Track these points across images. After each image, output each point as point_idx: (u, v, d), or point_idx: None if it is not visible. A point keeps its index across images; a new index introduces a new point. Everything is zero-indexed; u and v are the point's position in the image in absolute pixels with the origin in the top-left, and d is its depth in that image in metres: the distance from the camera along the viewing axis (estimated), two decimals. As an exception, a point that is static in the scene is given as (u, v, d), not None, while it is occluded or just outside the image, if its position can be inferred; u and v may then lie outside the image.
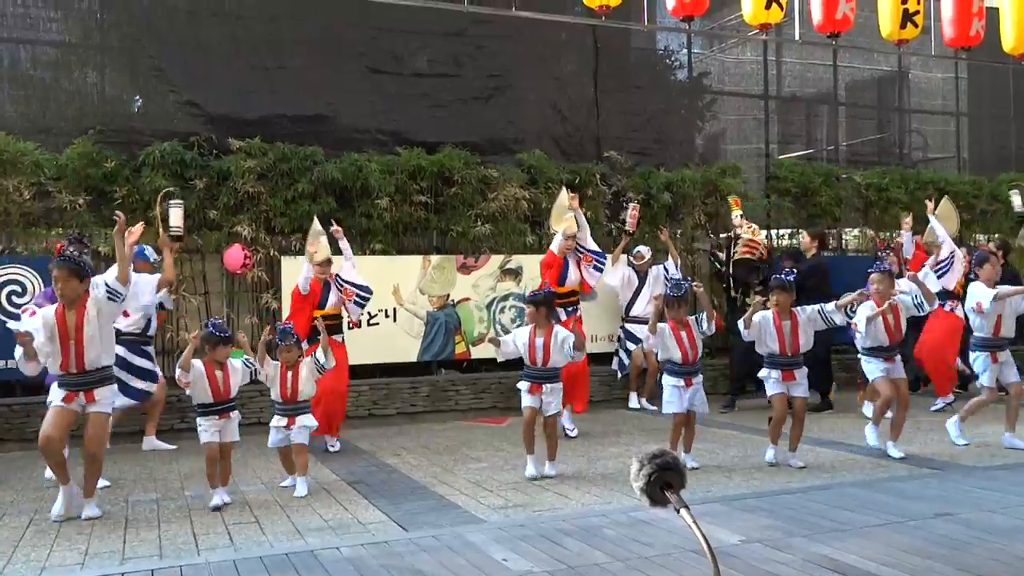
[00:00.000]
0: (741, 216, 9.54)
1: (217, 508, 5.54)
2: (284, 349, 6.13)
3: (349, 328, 7.99)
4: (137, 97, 9.55)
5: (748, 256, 9.35)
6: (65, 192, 8.37)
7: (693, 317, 6.51)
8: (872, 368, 6.93)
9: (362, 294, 7.68)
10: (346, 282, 7.59)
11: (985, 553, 4.20)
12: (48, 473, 6.08)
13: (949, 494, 5.42)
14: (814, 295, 7.92)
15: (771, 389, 6.62)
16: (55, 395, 5.34)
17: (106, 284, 5.32)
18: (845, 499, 5.34)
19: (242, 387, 8.13)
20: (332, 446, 7.44)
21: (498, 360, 6.65)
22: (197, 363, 5.67)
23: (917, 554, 4.20)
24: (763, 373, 6.66)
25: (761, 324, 6.50)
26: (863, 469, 6.42)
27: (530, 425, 6.33)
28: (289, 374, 6.12)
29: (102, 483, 5.90)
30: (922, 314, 7.23)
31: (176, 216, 7.82)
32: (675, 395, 6.46)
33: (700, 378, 6.52)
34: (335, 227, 7.73)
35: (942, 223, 9.02)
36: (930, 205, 9.19)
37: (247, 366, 5.91)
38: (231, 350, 5.85)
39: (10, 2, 8.96)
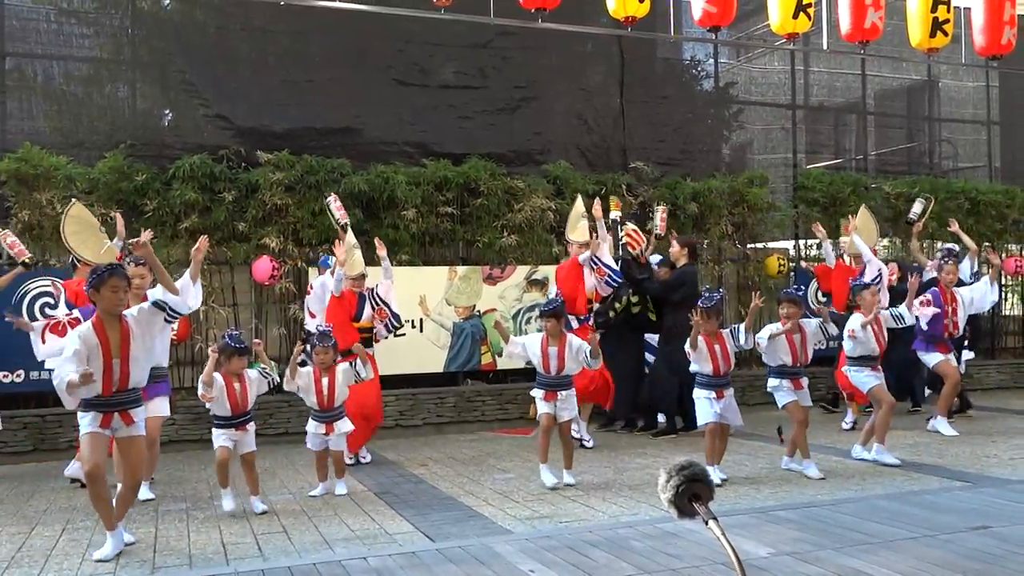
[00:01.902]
0: (621, 218, 8.98)
1: (231, 511, 5.69)
2: (320, 351, 6.17)
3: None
4: (167, 111, 9.69)
5: (631, 249, 8.55)
6: (97, 205, 8.48)
7: (727, 330, 6.52)
8: (863, 380, 7.07)
9: (393, 321, 7.81)
10: (383, 302, 7.66)
11: (1019, 568, 4.13)
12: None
13: (982, 507, 5.34)
14: (683, 305, 7.78)
15: (784, 398, 6.69)
16: (88, 422, 4.78)
17: (163, 303, 4.86)
18: (875, 511, 5.28)
19: (269, 399, 8.27)
20: (364, 458, 7.49)
21: (504, 355, 6.68)
22: (218, 377, 5.69)
23: (949, 568, 4.14)
24: (773, 384, 6.72)
25: (776, 338, 6.58)
26: (893, 481, 6.34)
27: (547, 432, 6.44)
28: (324, 380, 6.16)
29: (146, 495, 6.08)
30: (900, 327, 7.33)
31: (335, 208, 8.02)
32: (707, 406, 6.47)
33: (731, 391, 6.52)
34: (378, 246, 7.84)
35: (862, 236, 8.93)
36: (850, 222, 9.05)
37: (264, 375, 5.90)
38: (247, 362, 5.85)
39: (43, 19, 9.14)
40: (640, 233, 8.64)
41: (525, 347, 6.49)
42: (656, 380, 8.55)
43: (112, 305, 4.72)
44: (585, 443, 7.96)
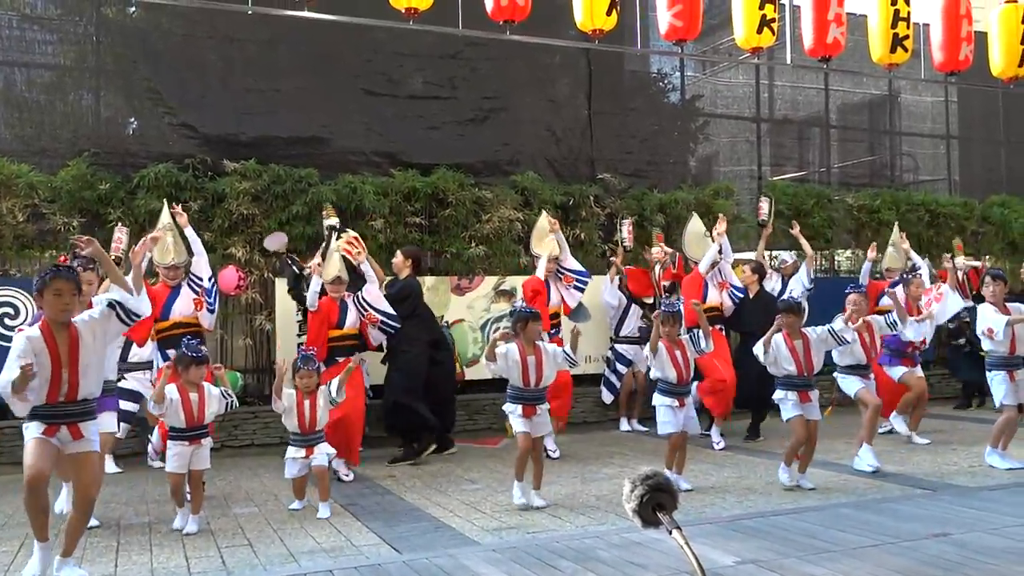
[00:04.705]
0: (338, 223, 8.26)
1: (179, 529, 5.54)
2: (304, 375, 6.07)
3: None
4: (132, 119, 9.59)
5: (346, 255, 7.78)
6: (59, 214, 8.39)
7: (687, 336, 6.50)
8: (850, 383, 7.07)
9: (388, 322, 7.52)
10: (371, 306, 7.45)
11: (978, 573, 4.21)
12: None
13: (942, 514, 5.43)
14: (408, 317, 7.69)
15: (788, 412, 6.48)
16: (33, 428, 4.43)
17: (116, 303, 4.51)
18: (838, 520, 5.35)
19: (234, 411, 8.15)
20: (346, 475, 7.15)
21: (491, 375, 6.45)
22: (172, 391, 5.57)
23: (910, 574, 4.20)
24: (779, 395, 6.52)
25: (775, 347, 6.41)
26: (856, 489, 6.42)
27: (528, 453, 6.08)
28: (306, 403, 6.06)
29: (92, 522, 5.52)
30: (895, 332, 7.33)
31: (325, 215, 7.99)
32: (670, 415, 6.41)
33: (691, 399, 6.52)
34: (357, 247, 7.61)
35: (691, 248, 8.96)
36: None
37: (224, 397, 5.75)
38: (205, 371, 5.70)
39: (5, 24, 9.03)
40: (360, 241, 7.97)
41: (507, 356, 6.04)
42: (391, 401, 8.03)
43: (56, 311, 4.36)
44: (551, 454, 7.96)
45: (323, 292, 7.48)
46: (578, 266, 8.60)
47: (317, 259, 7.64)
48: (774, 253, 9.40)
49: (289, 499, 6.23)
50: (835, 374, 7.29)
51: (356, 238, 7.85)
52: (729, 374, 8.48)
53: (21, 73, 9.12)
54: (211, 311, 7.12)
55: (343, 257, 7.65)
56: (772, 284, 9.32)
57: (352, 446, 7.20)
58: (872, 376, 7.12)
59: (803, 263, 9.42)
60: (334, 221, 8.07)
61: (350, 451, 7.18)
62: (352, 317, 7.48)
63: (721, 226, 8.78)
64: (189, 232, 7.03)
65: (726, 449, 8.27)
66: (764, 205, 9.66)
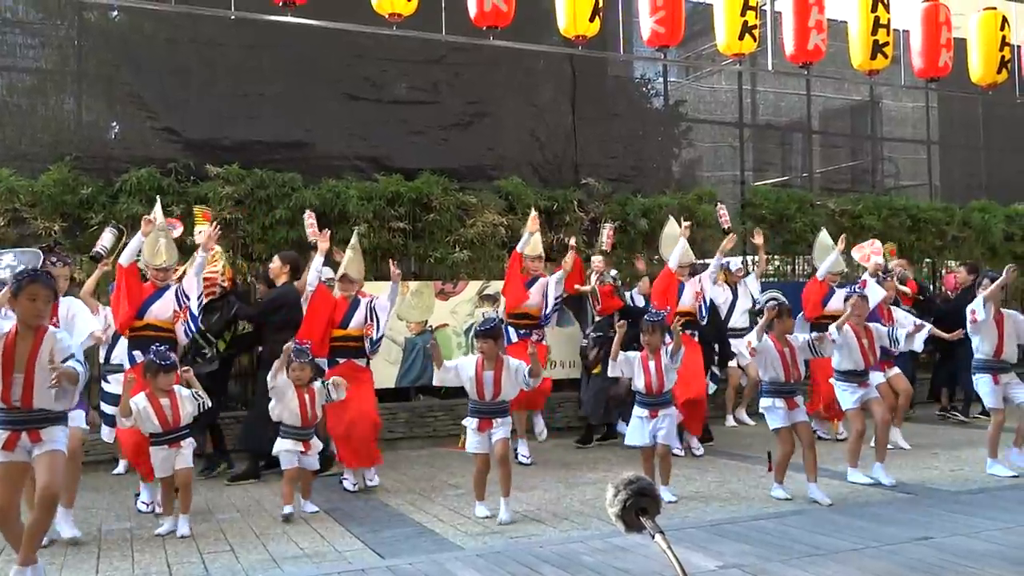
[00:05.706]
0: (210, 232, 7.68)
1: (162, 535, 5.52)
2: (297, 367, 6.03)
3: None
4: (114, 123, 9.54)
5: (210, 297, 7.33)
6: (40, 219, 8.33)
7: (666, 347, 6.39)
8: (846, 397, 6.88)
9: (374, 344, 7.27)
10: (376, 317, 7.25)
11: (958, 577, 4.25)
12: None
13: (924, 519, 5.47)
14: (284, 327, 7.13)
15: (776, 423, 6.29)
16: None
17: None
18: (821, 524, 5.38)
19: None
20: (371, 480, 6.97)
21: (433, 382, 6.24)
22: (140, 400, 5.54)
23: (892, 578, 4.24)
24: (766, 403, 6.36)
25: (764, 350, 6.26)
26: (838, 493, 6.44)
27: (484, 473, 5.94)
28: (307, 398, 6.05)
29: (71, 532, 5.43)
30: (895, 350, 7.30)
31: (307, 225, 7.71)
32: (638, 427, 6.29)
33: (670, 410, 6.34)
34: (394, 270, 7.35)
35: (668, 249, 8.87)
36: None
37: (196, 398, 5.72)
38: (174, 377, 5.66)
39: (-14, 29, 8.97)
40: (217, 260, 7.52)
41: (458, 370, 5.91)
42: (250, 419, 7.63)
43: (29, 315, 4.26)
44: (523, 459, 7.83)
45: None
46: (547, 311, 8.25)
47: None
48: (726, 259, 9.30)
49: (272, 506, 6.21)
50: (832, 380, 7.10)
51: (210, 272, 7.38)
52: (698, 389, 8.16)
53: (2, 77, 9.06)
54: (187, 334, 6.72)
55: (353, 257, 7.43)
56: (724, 295, 9.29)
57: (371, 449, 6.99)
58: (871, 383, 6.91)
59: (752, 273, 9.33)
60: (205, 228, 7.35)
61: (370, 456, 6.97)
62: (357, 320, 7.20)
63: (727, 261, 8.88)
64: (200, 256, 6.67)
65: (709, 454, 8.28)
66: (726, 213, 9.67)
